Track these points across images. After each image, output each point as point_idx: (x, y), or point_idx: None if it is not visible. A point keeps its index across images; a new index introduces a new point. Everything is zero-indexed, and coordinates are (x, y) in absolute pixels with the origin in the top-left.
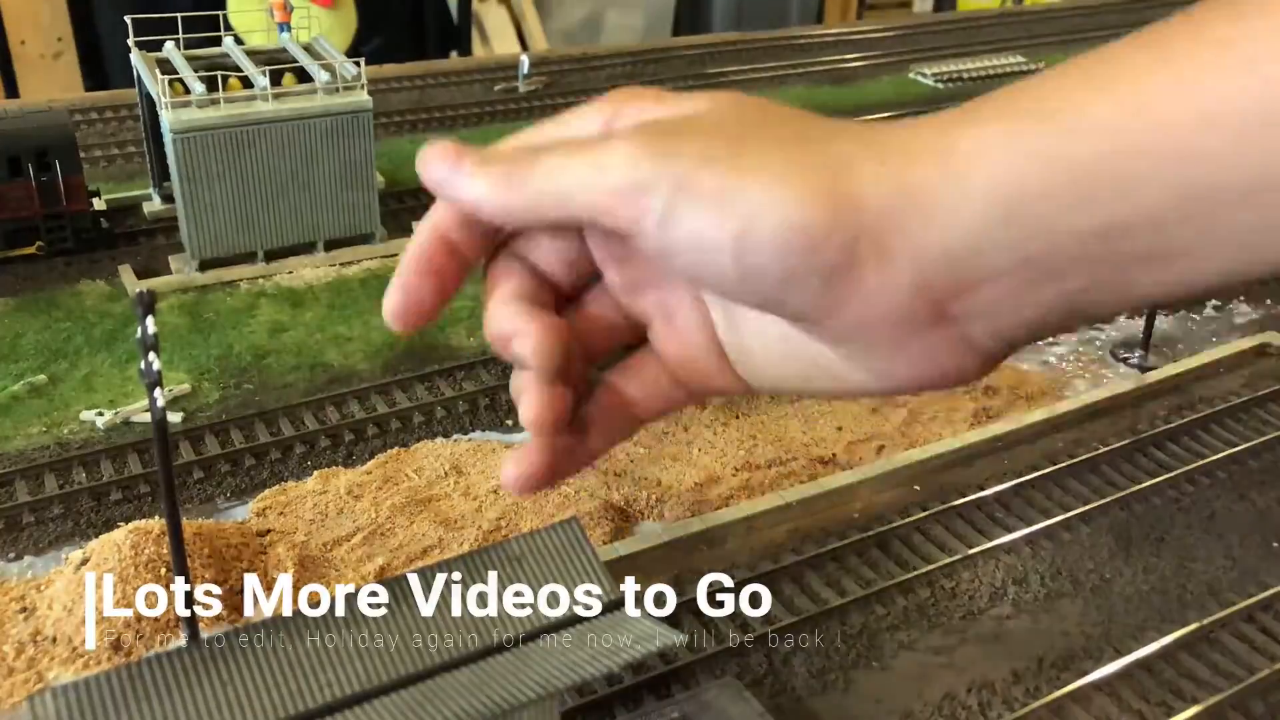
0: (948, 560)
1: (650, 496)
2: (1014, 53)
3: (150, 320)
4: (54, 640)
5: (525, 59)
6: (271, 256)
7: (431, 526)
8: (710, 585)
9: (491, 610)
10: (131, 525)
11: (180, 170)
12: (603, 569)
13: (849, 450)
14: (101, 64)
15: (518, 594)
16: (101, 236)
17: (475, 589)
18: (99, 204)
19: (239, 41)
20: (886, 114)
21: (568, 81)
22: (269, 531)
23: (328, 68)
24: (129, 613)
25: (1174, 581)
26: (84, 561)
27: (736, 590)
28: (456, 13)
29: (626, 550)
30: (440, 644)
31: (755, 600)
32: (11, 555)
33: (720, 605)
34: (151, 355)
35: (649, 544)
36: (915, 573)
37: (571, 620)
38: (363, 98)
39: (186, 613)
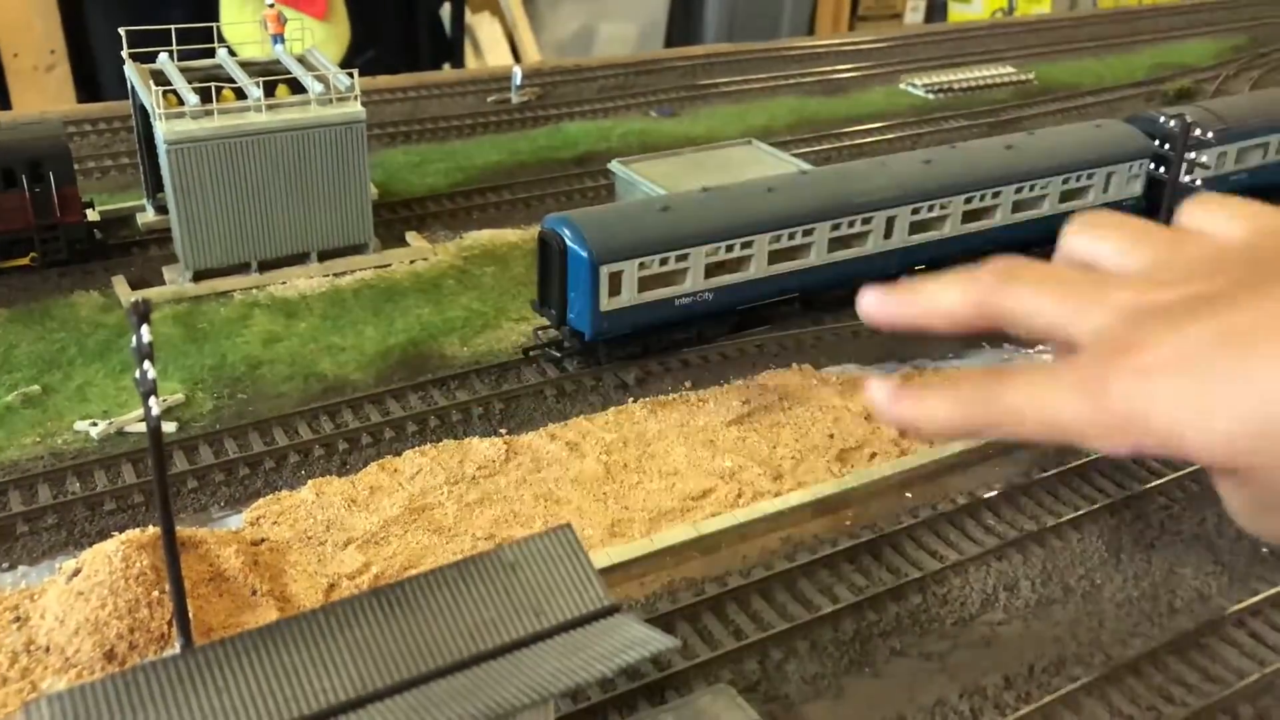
0: (939, 566)
1: (645, 504)
2: (1004, 64)
3: (145, 330)
4: (47, 649)
5: (518, 70)
6: (265, 267)
7: (425, 534)
8: (703, 592)
9: (486, 616)
10: (124, 536)
11: (174, 181)
12: (597, 575)
13: (841, 458)
14: (95, 76)
15: (512, 600)
16: (95, 248)
17: (470, 595)
18: (93, 215)
19: (233, 53)
20: (877, 123)
21: (560, 93)
22: (263, 540)
23: (321, 79)
24: (122, 623)
25: (1164, 588)
26: (76, 572)
27: (730, 597)
28: (450, 25)
29: (620, 558)
30: (435, 650)
31: (748, 607)
32: (5, 565)
33: (713, 612)
34: (146, 364)
35: (643, 551)
36: (907, 579)
37: (566, 626)
38: (356, 109)
39: (180, 621)
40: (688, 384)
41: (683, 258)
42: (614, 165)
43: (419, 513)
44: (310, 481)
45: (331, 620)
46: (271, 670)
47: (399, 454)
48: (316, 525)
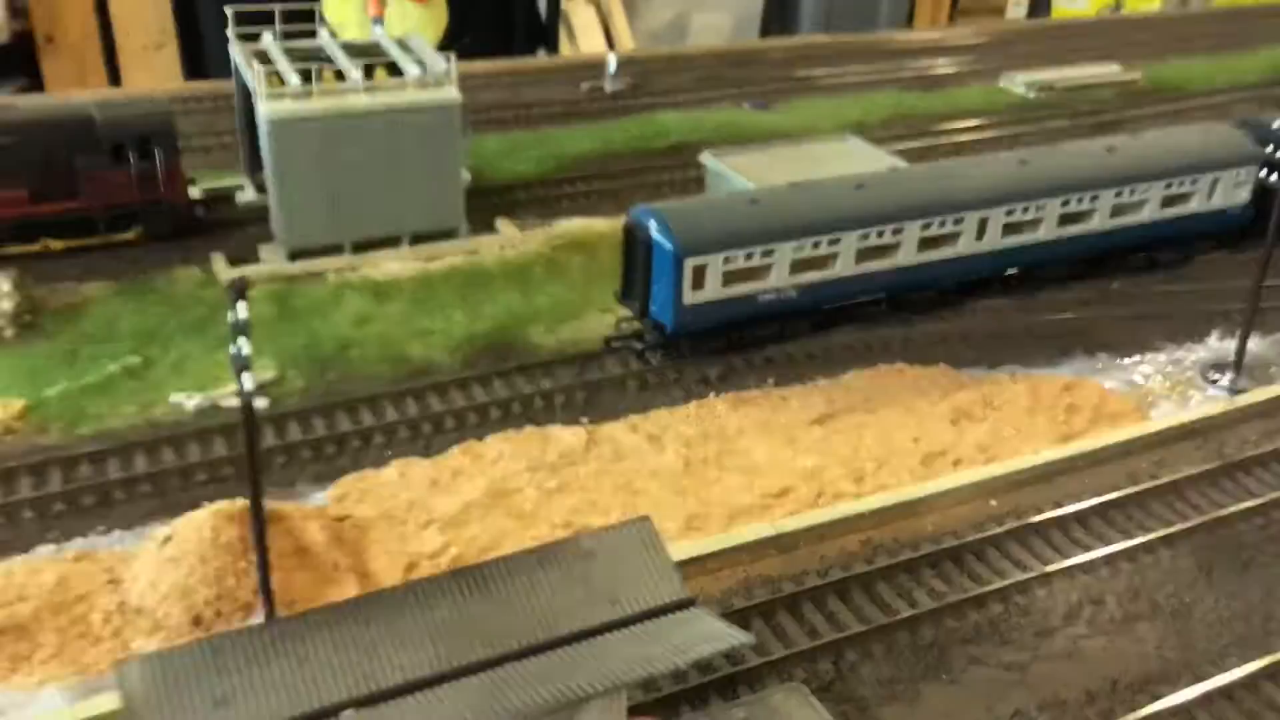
0: (1022, 577)
1: (723, 502)
2: (1110, 62)
3: (242, 306)
4: (139, 612)
5: (613, 58)
6: (358, 249)
7: (505, 518)
8: (780, 590)
9: (562, 602)
10: (214, 506)
11: (273, 160)
12: (674, 568)
13: (926, 462)
14: (202, 56)
15: (588, 588)
16: (197, 224)
17: (546, 581)
18: (195, 192)
19: (334, 35)
20: (975, 121)
21: (654, 82)
22: (347, 517)
23: (419, 63)
24: (210, 590)
25: (1259, 609)
26: (168, 539)
27: (806, 596)
28: (545, 11)
29: (697, 551)
30: (511, 633)
31: (824, 607)
32: (102, 529)
33: (789, 610)
34: (242, 340)
35: (719, 546)
36: (989, 588)
37: (641, 616)
38: (452, 93)
39: (264, 592)
40: (770, 381)
41: (768, 254)
42: (705, 157)
43: (499, 497)
44: (395, 462)
45: (410, 598)
46: (351, 644)
47: (482, 439)
48: (399, 505)
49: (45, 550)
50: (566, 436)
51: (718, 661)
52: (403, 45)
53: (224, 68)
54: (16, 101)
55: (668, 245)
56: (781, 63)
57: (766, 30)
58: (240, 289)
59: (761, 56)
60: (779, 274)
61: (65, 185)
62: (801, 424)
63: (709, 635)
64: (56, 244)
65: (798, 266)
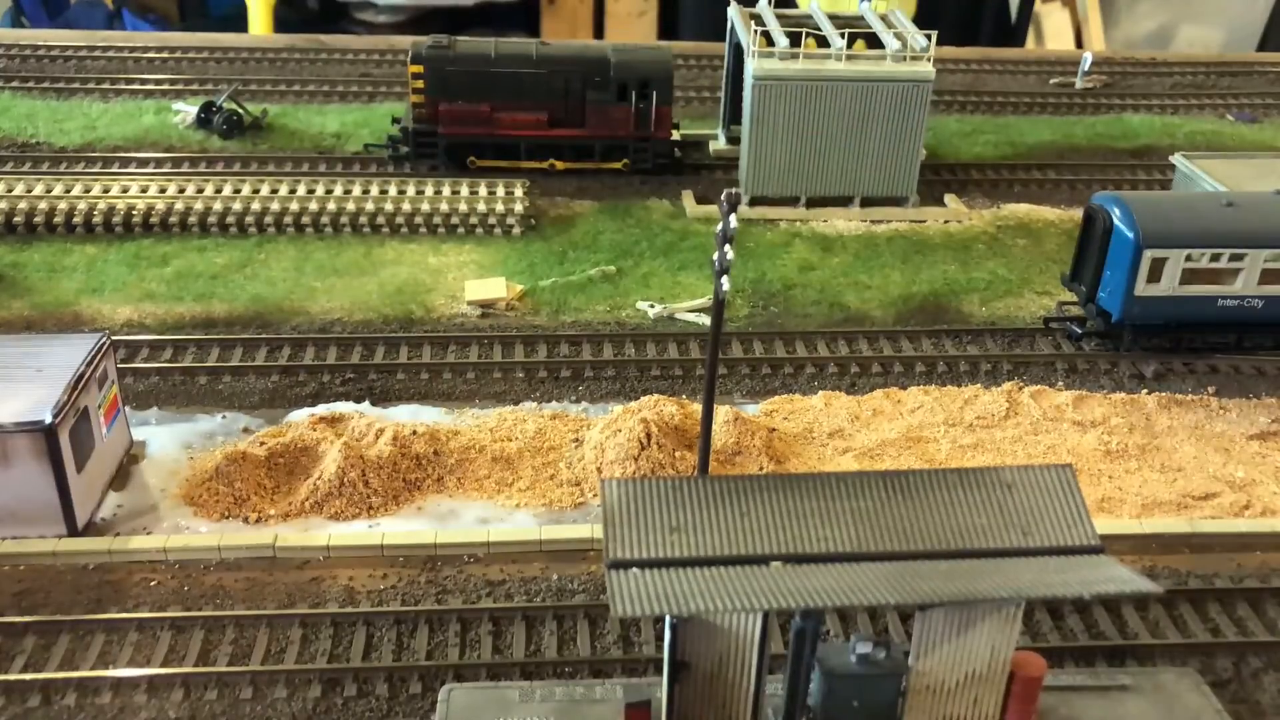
0: None
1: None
2: None
3: (733, 218)
4: (597, 469)
5: (1088, 56)
6: (812, 204)
7: (916, 462)
8: (1186, 583)
9: (975, 521)
10: (659, 396)
11: (753, 113)
12: (1087, 515)
13: None
14: (675, 24)
15: (1003, 515)
16: (674, 164)
17: (964, 500)
18: (676, 135)
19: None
20: None
21: (1128, 84)
22: (773, 430)
23: (900, 37)
24: (645, 463)
25: None
26: (620, 415)
27: (1214, 596)
28: (1016, 11)
29: (1105, 532)
30: (924, 535)
31: (1233, 610)
32: (573, 398)
33: (1192, 604)
34: (727, 247)
35: (1129, 531)
36: None
37: (1049, 551)
38: (927, 69)
39: (702, 457)
40: (1210, 389)
41: (1238, 258)
42: (1177, 158)
43: (914, 442)
44: (821, 392)
45: (842, 486)
46: (784, 511)
47: (904, 388)
48: (821, 429)
49: (529, 405)
50: (986, 400)
51: (1109, 631)
52: (885, 20)
53: (693, 34)
54: (548, 41)
55: (1129, 234)
56: (1278, 78)
57: (1265, 46)
58: (734, 202)
59: (1256, 70)
60: (1246, 281)
61: (575, 115)
62: (1239, 436)
63: (1115, 579)
64: (560, 165)
65: (1269, 276)
